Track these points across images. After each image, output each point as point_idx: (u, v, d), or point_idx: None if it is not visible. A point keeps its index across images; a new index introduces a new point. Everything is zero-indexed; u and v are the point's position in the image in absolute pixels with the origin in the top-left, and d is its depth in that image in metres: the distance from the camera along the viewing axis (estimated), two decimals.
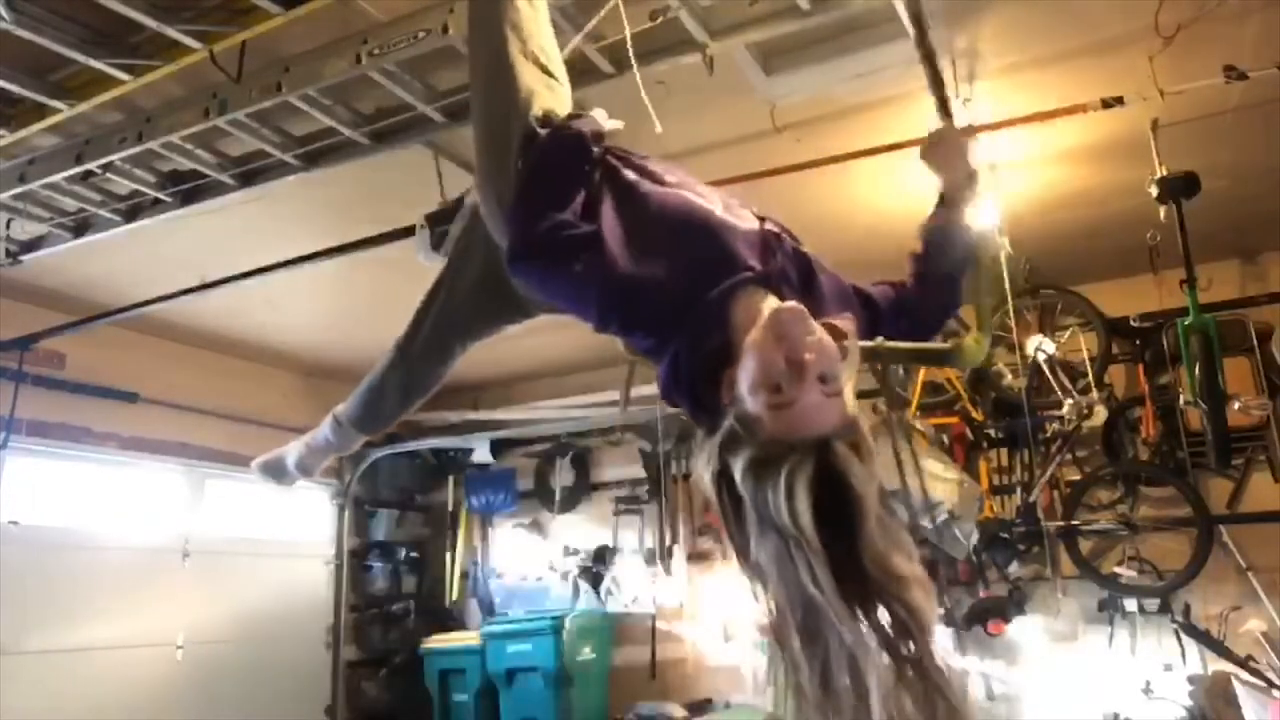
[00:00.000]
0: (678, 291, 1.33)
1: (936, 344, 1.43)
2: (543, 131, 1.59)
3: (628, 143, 1.65)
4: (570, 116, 1.64)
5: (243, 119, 3.26)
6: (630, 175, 1.51)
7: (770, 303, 1.29)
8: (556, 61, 1.77)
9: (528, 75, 1.67)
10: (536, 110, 1.62)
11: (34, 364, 4.98)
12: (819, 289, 1.45)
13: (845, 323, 1.31)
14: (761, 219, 1.46)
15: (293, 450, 2.28)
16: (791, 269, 1.42)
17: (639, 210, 1.44)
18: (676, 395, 1.36)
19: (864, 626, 1.11)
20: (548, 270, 1.44)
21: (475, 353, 2.03)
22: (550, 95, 1.68)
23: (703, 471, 1.23)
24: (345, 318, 5.92)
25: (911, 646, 1.11)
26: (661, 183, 1.50)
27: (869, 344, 1.37)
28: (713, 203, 1.45)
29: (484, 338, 1.99)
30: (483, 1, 1.79)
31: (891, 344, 1.40)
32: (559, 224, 1.40)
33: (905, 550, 1.18)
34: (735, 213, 1.45)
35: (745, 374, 1.21)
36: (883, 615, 1.12)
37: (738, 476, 1.18)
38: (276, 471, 2.30)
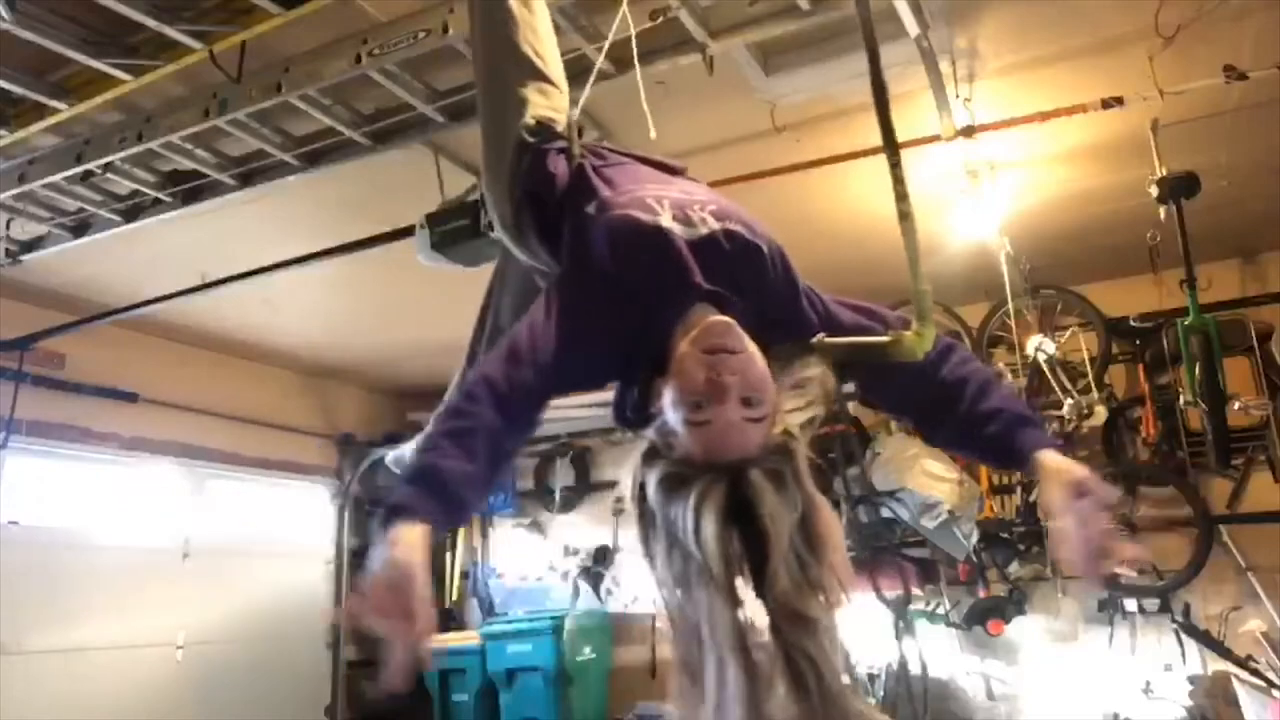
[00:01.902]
0: (627, 338, 1.29)
1: (878, 338, 1.33)
2: (531, 140, 1.60)
3: (625, 142, 1.66)
4: (550, 130, 1.65)
5: (243, 119, 3.26)
6: (588, 205, 1.45)
7: (708, 316, 1.24)
8: (554, 65, 1.78)
9: (520, 83, 1.68)
10: (528, 119, 1.64)
11: (34, 364, 4.98)
12: (772, 294, 1.37)
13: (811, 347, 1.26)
14: (720, 219, 1.37)
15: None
16: (744, 273, 1.34)
17: (585, 255, 1.39)
18: (621, 414, 1.33)
19: (757, 664, 1.05)
20: None
21: None
22: (544, 100, 1.69)
23: (624, 480, 1.20)
24: (345, 318, 5.92)
25: (809, 695, 1.04)
26: (613, 202, 1.43)
27: (810, 340, 1.31)
28: (661, 213, 1.37)
29: None
30: (482, 9, 1.82)
31: (833, 339, 1.33)
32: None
33: (820, 590, 1.12)
34: (687, 217, 1.37)
35: (669, 387, 1.18)
36: (781, 655, 1.06)
37: (650, 491, 1.14)
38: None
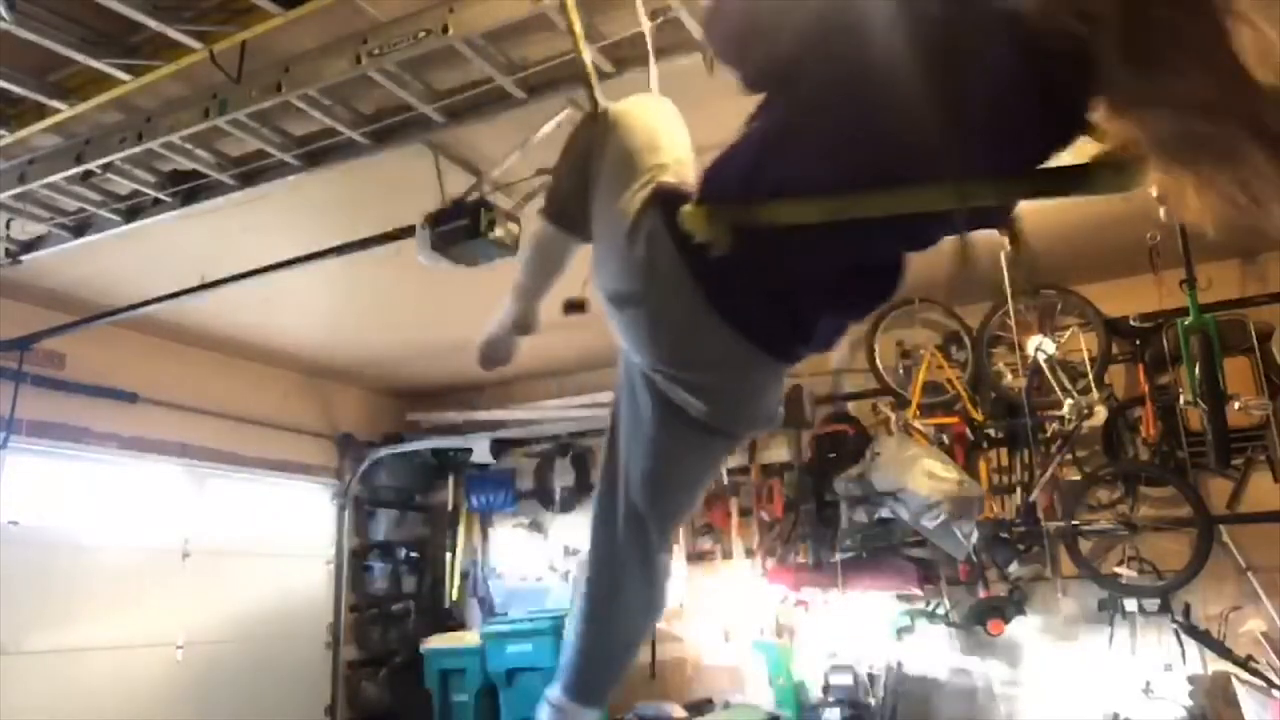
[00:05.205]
0: None
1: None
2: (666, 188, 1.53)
3: None
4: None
5: (243, 119, 3.26)
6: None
7: None
8: (686, 149, 1.69)
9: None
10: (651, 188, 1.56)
11: (34, 364, 4.98)
12: None
13: None
14: None
15: None
16: None
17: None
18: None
19: None
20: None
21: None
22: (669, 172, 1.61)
23: None
24: (345, 318, 5.92)
25: None
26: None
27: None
28: None
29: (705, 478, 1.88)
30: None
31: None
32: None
33: None
34: None
35: None
36: None
37: None
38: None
